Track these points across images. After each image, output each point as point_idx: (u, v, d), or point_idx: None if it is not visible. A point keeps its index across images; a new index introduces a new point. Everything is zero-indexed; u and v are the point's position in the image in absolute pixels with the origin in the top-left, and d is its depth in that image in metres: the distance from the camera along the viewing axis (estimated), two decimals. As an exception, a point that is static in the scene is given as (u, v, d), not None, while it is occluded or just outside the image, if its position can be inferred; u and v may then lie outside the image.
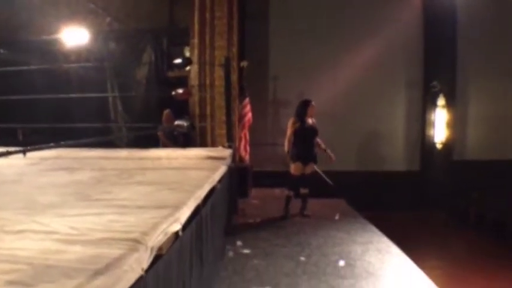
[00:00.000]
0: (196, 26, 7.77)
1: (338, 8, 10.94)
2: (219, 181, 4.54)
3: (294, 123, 7.01)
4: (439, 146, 11.26)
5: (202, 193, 3.43)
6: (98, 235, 2.00)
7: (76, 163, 4.80)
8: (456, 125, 11.22)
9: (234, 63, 8.03)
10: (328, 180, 7.74)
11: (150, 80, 9.05)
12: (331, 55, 10.92)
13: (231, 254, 5.19)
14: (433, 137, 11.35)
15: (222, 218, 5.10)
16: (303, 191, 7.15)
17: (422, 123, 11.52)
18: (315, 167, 7.22)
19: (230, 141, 7.13)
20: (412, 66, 11.42)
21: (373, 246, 5.56)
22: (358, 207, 7.76)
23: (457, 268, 7.26)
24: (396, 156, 11.49)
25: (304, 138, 6.97)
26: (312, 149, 7.05)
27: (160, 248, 2.15)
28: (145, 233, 2.02)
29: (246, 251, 5.30)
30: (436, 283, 4.38)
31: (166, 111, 7.96)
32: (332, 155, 7.18)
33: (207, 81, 7.86)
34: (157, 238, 2.10)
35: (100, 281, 1.51)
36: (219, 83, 7.66)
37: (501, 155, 11.05)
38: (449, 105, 11.10)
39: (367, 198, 9.29)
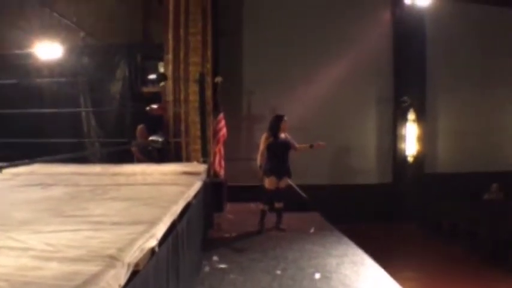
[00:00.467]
0: (170, 42, 7.79)
1: (310, 26, 11.15)
2: (195, 196, 4.54)
3: (267, 138, 7.07)
4: (410, 159, 11.48)
5: (177, 208, 3.43)
6: (74, 252, 1.99)
7: (50, 179, 4.73)
8: (426, 138, 11.50)
9: (209, 79, 8.06)
10: (302, 193, 7.81)
11: (124, 95, 9.00)
12: (303, 71, 11.09)
13: (207, 269, 5.17)
14: (404, 151, 11.58)
15: (198, 233, 5.09)
16: (278, 205, 7.19)
17: (394, 137, 11.74)
18: (289, 181, 7.27)
19: (205, 156, 7.13)
20: (383, 81, 11.67)
21: (348, 259, 5.61)
22: (333, 220, 7.82)
23: (431, 278, 7.41)
24: (369, 170, 11.67)
25: (278, 152, 7.03)
26: (285, 163, 7.10)
27: (136, 264, 2.14)
28: (121, 249, 2.02)
29: (223, 265, 5.29)
30: (410, 294, 4.44)
31: (140, 127, 7.92)
32: (320, 143, 7.25)
33: (182, 97, 7.85)
34: (134, 254, 2.10)
35: (78, 297, 1.51)
36: (194, 98, 7.66)
37: (471, 167, 11.34)
38: (420, 119, 11.37)
39: (341, 211, 9.40)
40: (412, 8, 10.64)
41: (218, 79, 8.87)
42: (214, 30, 9.08)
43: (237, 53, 11.28)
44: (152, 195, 3.74)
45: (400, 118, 11.64)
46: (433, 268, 7.94)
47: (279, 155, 7.04)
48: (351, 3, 11.37)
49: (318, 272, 5.07)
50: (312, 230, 7.16)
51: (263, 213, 7.14)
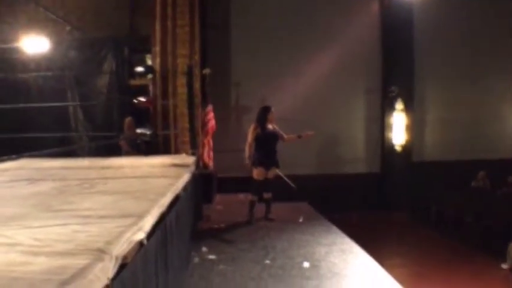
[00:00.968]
0: (157, 34, 7.76)
1: (298, 17, 11.16)
2: (184, 188, 4.57)
3: (254, 129, 7.10)
4: (398, 148, 11.58)
5: (166, 201, 3.45)
6: (62, 246, 2.01)
7: (37, 174, 4.73)
8: (414, 128, 11.60)
9: (197, 71, 8.06)
10: (291, 183, 7.84)
11: (112, 88, 8.94)
12: (291, 62, 11.11)
13: (196, 260, 5.21)
14: (392, 140, 11.66)
15: (187, 225, 5.12)
16: (266, 195, 7.23)
17: (382, 126, 11.82)
18: (278, 171, 7.31)
19: (194, 148, 7.15)
20: (371, 71, 11.72)
21: (337, 247, 5.66)
22: (322, 209, 7.89)
23: (419, 265, 7.52)
24: (357, 159, 11.76)
25: (265, 143, 7.06)
26: (273, 154, 7.13)
27: (125, 257, 2.16)
28: (109, 243, 2.04)
29: (212, 256, 5.32)
30: (399, 281, 4.50)
31: (128, 119, 7.91)
32: (308, 132, 7.27)
33: (170, 89, 7.85)
34: (122, 247, 2.12)
35: (66, 291, 1.53)
36: (182, 90, 7.66)
37: (458, 155, 11.47)
38: (408, 109, 11.46)
39: (329, 200, 9.49)
40: (400, -2, 10.70)
41: (206, 71, 8.87)
42: (202, 22, 9.06)
43: (225, 44, 11.26)
44: (140, 188, 3.76)
45: (388, 108, 11.71)
46: (421, 255, 8.05)
47: (266, 146, 7.07)
48: (339, -6, 11.40)
49: (306, 260, 5.12)
50: (300, 220, 7.22)
51: (252, 204, 7.18)
